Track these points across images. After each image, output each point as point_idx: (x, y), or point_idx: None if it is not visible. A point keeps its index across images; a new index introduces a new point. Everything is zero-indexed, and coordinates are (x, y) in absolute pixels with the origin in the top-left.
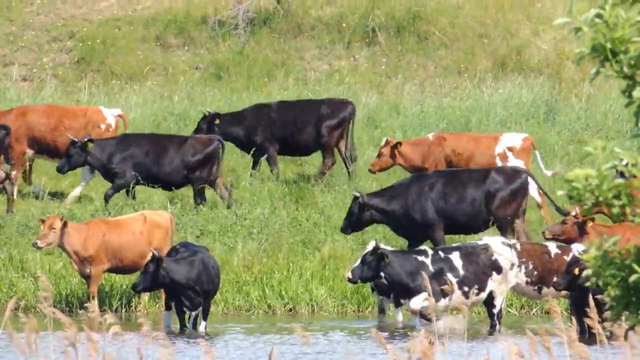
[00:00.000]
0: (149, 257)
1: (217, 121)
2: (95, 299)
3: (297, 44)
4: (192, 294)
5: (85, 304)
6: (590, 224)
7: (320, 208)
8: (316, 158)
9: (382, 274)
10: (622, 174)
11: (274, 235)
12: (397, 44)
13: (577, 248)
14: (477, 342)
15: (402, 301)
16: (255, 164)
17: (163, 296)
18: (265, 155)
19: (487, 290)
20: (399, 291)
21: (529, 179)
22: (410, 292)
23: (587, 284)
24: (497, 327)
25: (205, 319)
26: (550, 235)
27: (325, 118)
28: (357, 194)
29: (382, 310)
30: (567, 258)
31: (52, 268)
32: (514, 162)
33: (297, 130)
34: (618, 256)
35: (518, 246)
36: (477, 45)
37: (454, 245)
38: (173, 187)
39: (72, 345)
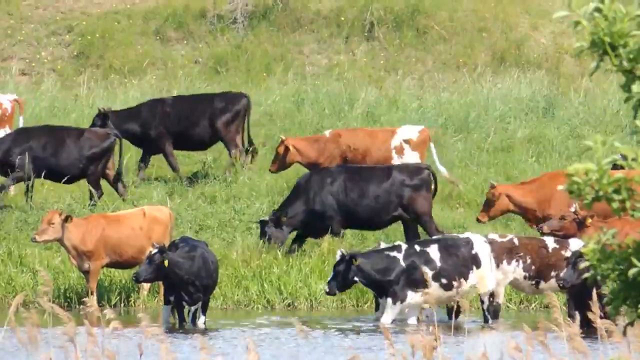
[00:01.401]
0: (151, 249)
1: (109, 119)
2: (94, 294)
3: (295, 38)
4: (192, 289)
5: (84, 299)
6: (589, 220)
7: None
8: None
9: (356, 278)
10: (622, 169)
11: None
12: (395, 39)
13: (575, 243)
14: (475, 336)
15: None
16: (145, 159)
17: (162, 291)
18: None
19: (468, 284)
20: (378, 292)
21: (431, 175)
22: (386, 290)
23: (585, 275)
24: (490, 321)
25: (204, 313)
26: (548, 230)
27: (219, 112)
28: (265, 219)
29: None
30: (565, 253)
31: (51, 263)
32: (410, 154)
33: (191, 125)
34: (617, 249)
35: (516, 241)
36: (476, 39)
37: (433, 238)
38: (69, 181)
39: (71, 341)
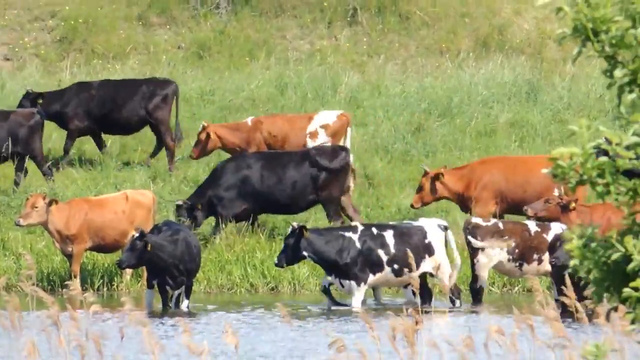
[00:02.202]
0: (133, 234)
1: (40, 101)
2: (78, 277)
3: (278, 23)
4: (175, 273)
5: (66, 282)
6: (573, 204)
7: None
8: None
9: (305, 253)
10: (606, 153)
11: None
12: (378, 24)
13: (556, 227)
14: (459, 320)
15: (329, 278)
16: (99, 143)
17: (145, 275)
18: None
19: (421, 270)
20: (327, 269)
21: (349, 157)
22: (340, 271)
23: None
24: (457, 303)
25: (187, 297)
26: (532, 213)
27: (147, 97)
28: (179, 202)
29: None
30: (546, 236)
31: (34, 247)
32: (324, 139)
33: (117, 109)
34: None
35: (501, 225)
36: (458, 24)
37: (389, 223)
38: None
39: (55, 324)
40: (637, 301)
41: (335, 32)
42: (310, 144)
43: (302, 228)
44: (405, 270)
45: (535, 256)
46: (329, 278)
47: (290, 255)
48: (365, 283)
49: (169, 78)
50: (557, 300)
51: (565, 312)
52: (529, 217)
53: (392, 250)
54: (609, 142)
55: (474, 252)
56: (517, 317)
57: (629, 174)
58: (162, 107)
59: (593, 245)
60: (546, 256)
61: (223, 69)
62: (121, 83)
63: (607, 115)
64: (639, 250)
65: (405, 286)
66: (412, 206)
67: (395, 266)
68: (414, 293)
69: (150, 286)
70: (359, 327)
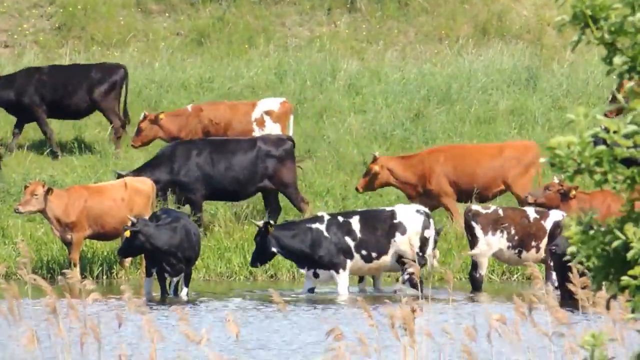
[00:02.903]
0: (129, 223)
1: None
2: (77, 265)
3: (277, 10)
4: (174, 260)
5: (64, 270)
6: (573, 192)
7: (301, 174)
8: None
9: (274, 249)
10: (604, 141)
11: (255, 202)
12: (377, 10)
13: (555, 214)
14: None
15: (302, 271)
16: (20, 126)
17: (144, 263)
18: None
19: (390, 254)
20: (297, 262)
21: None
22: (316, 263)
23: (561, 251)
24: (419, 293)
25: (186, 285)
26: (532, 200)
27: (96, 82)
28: (122, 173)
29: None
30: (545, 223)
31: (34, 234)
32: (271, 126)
33: (67, 94)
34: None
35: (501, 211)
36: (458, 11)
37: (356, 210)
38: None
39: (53, 312)
40: (636, 289)
41: (334, 19)
42: (258, 131)
43: (266, 225)
44: (374, 255)
45: (534, 243)
46: (302, 271)
47: (261, 253)
48: (344, 269)
49: (118, 63)
50: (555, 288)
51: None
52: (529, 205)
53: (359, 236)
54: (607, 130)
55: (473, 239)
56: (517, 306)
57: (627, 162)
58: (110, 92)
59: (592, 232)
60: (544, 243)
61: (222, 56)
62: (71, 68)
63: (607, 103)
64: (639, 237)
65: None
66: (357, 190)
67: (364, 252)
68: (413, 281)
69: (149, 274)
70: (359, 315)
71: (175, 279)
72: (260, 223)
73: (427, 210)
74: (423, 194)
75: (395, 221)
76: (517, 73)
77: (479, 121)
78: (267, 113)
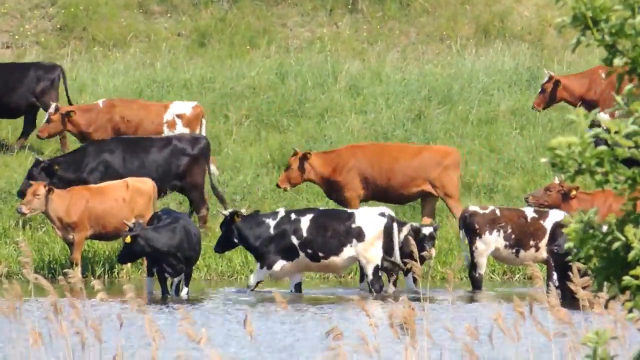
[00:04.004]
0: (126, 229)
1: None
2: (79, 265)
3: (279, 11)
4: (174, 261)
5: (66, 270)
6: (574, 192)
7: None
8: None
9: (235, 240)
10: (605, 142)
11: (257, 202)
12: (379, 11)
13: (555, 214)
14: (461, 308)
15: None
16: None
17: (145, 262)
18: None
19: (343, 257)
20: (254, 256)
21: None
22: (257, 256)
23: (564, 251)
24: (374, 295)
25: (187, 285)
26: (533, 201)
27: (34, 81)
28: (39, 158)
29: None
30: (543, 222)
31: (35, 234)
32: (181, 129)
33: (6, 93)
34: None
35: (498, 212)
36: (459, 11)
37: (312, 208)
38: None
39: (55, 312)
40: (637, 289)
41: (335, 20)
42: (167, 133)
43: (233, 214)
44: (321, 254)
45: (532, 243)
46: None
47: (223, 241)
48: (268, 268)
49: (54, 63)
50: (556, 288)
51: (565, 300)
52: (529, 205)
53: (304, 235)
54: (607, 130)
55: (471, 239)
56: (517, 305)
57: (628, 162)
58: (49, 92)
59: (591, 231)
60: (543, 243)
61: (224, 57)
62: (9, 67)
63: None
64: (639, 238)
65: (406, 274)
66: (277, 186)
67: (309, 251)
68: (415, 280)
69: (150, 274)
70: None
71: (176, 279)
72: (227, 212)
73: (391, 213)
74: (338, 191)
75: (353, 225)
76: (519, 74)
77: (481, 122)
78: (179, 116)
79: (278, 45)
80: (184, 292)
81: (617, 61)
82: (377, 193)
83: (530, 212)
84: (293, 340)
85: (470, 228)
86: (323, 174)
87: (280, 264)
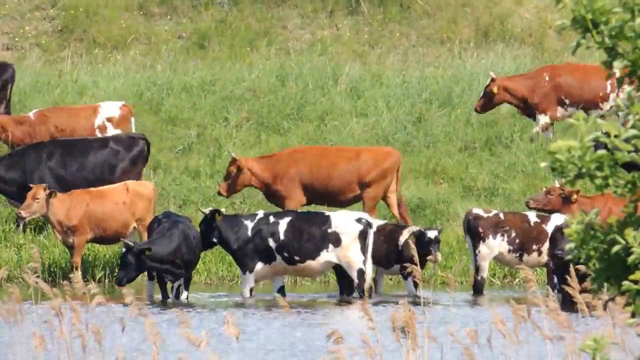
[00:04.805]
0: (123, 250)
1: None
2: (79, 269)
3: (279, 13)
4: (173, 267)
5: (70, 275)
6: (574, 196)
7: None
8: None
9: (214, 239)
10: (605, 146)
11: (257, 205)
12: (379, 13)
13: (557, 218)
14: (461, 311)
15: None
16: None
17: None
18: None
19: (320, 261)
20: (234, 259)
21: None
22: (237, 260)
23: (569, 257)
24: (357, 297)
25: (187, 288)
26: (534, 205)
27: None
28: None
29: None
30: (546, 226)
31: (35, 238)
32: (112, 132)
33: None
34: (600, 229)
35: (501, 215)
36: (459, 14)
37: (291, 211)
38: None
39: (57, 316)
40: (637, 294)
41: (336, 22)
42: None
43: (214, 213)
44: (297, 258)
45: (535, 247)
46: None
47: (204, 240)
48: (251, 271)
49: (6, 62)
50: (560, 291)
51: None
52: (530, 209)
53: (281, 238)
54: (607, 134)
55: (475, 242)
56: (515, 309)
57: (628, 166)
58: (1, 91)
59: (592, 232)
60: (545, 247)
61: (224, 59)
62: None
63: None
64: (639, 242)
65: (406, 277)
66: (219, 193)
67: (286, 254)
68: (415, 285)
69: (150, 277)
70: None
71: (176, 283)
72: (207, 210)
73: (368, 218)
74: (274, 195)
75: (329, 230)
76: None
77: (481, 125)
78: (109, 119)
79: (278, 48)
80: (183, 296)
81: (617, 64)
82: (316, 198)
83: (533, 217)
84: (293, 344)
85: (474, 232)
86: (264, 179)
87: (259, 267)
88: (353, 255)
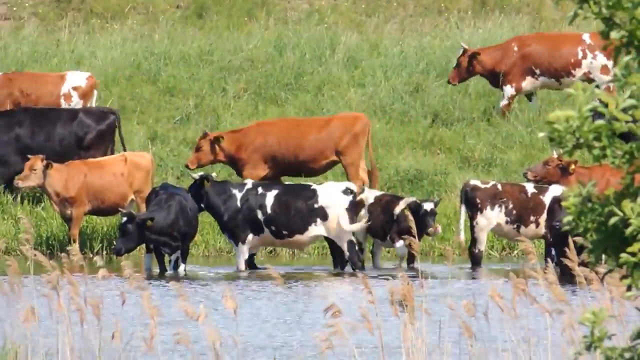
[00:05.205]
0: (123, 219)
1: None
2: (77, 241)
3: None
4: (170, 239)
5: (68, 247)
6: (572, 166)
7: None
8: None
9: (202, 205)
10: (603, 116)
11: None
12: None
13: (555, 189)
14: (459, 284)
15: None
16: None
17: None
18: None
19: (308, 235)
20: (219, 225)
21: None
22: (223, 227)
23: (566, 228)
24: (358, 268)
25: (184, 261)
26: (532, 176)
27: None
28: None
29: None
30: (543, 198)
31: (33, 210)
32: (77, 102)
33: None
34: (598, 201)
35: (499, 186)
36: None
37: (280, 183)
38: None
39: (55, 289)
40: (635, 266)
41: None
42: (65, 105)
43: (202, 179)
44: (285, 232)
45: (533, 218)
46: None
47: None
48: (243, 242)
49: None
50: (557, 264)
51: (565, 276)
52: (528, 180)
53: (269, 211)
54: (605, 104)
55: (473, 214)
56: (514, 282)
57: (626, 136)
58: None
59: (589, 204)
60: (542, 219)
61: (222, 29)
62: None
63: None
64: (637, 213)
65: (395, 241)
66: (187, 167)
67: (273, 228)
68: (413, 257)
69: (148, 250)
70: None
71: (173, 256)
72: (197, 176)
73: (354, 188)
74: (236, 163)
75: (316, 205)
76: None
77: (479, 95)
78: (75, 88)
79: (276, 18)
80: (181, 268)
81: (614, 34)
82: (285, 169)
83: (530, 188)
84: (291, 317)
85: (472, 203)
86: (230, 152)
87: (250, 237)
88: (342, 227)
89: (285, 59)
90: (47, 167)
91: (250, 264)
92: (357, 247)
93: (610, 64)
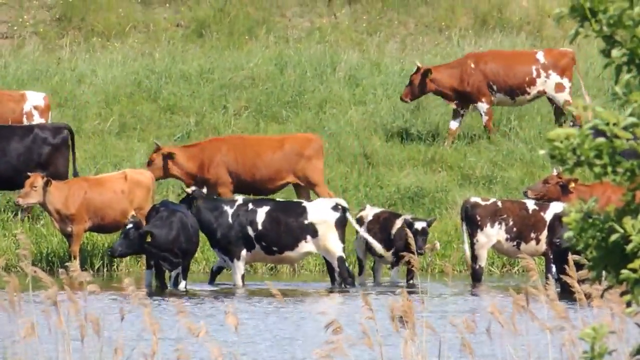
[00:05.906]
0: (128, 223)
1: None
2: (77, 258)
3: (278, 1)
4: (170, 256)
5: (66, 264)
6: (572, 184)
7: None
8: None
9: None
10: (603, 133)
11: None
12: (377, 1)
13: (555, 206)
14: (459, 300)
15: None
16: None
17: (144, 255)
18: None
19: (299, 252)
20: (209, 241)
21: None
22: (217, 244)
23: (566, 245)
24: (342, 285)
25: (185, 277)
26: (532, 195)
27: None
28: None
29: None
30: (544, 214)
31: (33, 227)
32: (38, 120)
33: None
34: (598, 218)
35: (499, 203)
36: (457, 2)
37: (271, 199)
38: None
39: (54, 305)
40: (635, 283)
41: (334, 10)
42: (26, 123)
43: (194, 199)
44: (275, 249)
45: (533, 235)
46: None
47: None
48: (238, 259)
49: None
50: (557, 280)
51: (565, 293)
52: (529, 199)
53: (259, 228)
54: (606, 122)
55: (473, 231)
56: (514, 299)
57: (627, 154)
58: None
59: (590, 220)
60: (543, 235)
61: (222, 47)
62: None
63: (606, 95)
64: (638, 230)
65: (392, 266)
66: None
67: (264, 244)
68: (413, 273)
69: (149, 266)
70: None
71: (174, 272)
72: (190, 190)
73: (344, 204)
74: (201, 183)
75: (306, 221)
76: None
77: (479, 113)
78: (35, 107)
79: (277, 36)
80: (182, 285)
81: (615, 52)
82: (242, 187)
83: (531, 205)
84: (291, 334)
85: (472, 220)
86: (187, 169)
87: (243, 253)
88: (332, 244)
89: (286, 77)
90: (47, 184)
91: (212, 278)
92: (346, 263)
93: (565, 81)
